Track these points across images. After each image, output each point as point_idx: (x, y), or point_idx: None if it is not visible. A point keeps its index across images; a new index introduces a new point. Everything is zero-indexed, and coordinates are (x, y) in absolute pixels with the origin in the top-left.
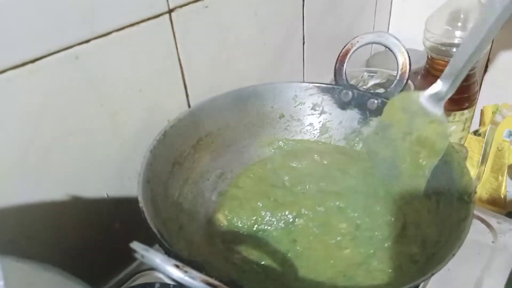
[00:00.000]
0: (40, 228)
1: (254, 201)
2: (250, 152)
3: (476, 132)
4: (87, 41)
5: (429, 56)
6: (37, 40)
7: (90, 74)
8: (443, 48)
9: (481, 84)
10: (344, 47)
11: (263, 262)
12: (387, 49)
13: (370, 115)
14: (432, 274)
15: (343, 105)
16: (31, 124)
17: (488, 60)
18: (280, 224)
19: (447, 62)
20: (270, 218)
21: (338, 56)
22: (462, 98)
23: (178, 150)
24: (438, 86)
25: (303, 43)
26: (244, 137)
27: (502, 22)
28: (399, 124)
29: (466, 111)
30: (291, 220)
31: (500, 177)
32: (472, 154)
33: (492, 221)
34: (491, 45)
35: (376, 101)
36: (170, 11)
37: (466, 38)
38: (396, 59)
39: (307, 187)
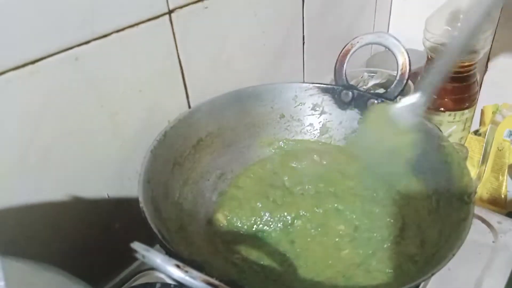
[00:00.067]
0: (40, 228)
1: (253, 201)
2: (250, 152)
3: (476, 132)
4: (87, 42)
5: (429, 57)
6: (37, 41)
7: (90, 75)
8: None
9: (481, 84)
10: (344, 47)
11: (262, 262)
12: (387, 49)
13: None
14: (432, 274)
15: (343, 105)
16: (31, 125)
17: (488, 60)
18: (278, 225)
19: None
20: (269, 218)
21: (338, 57)
22: (463, 98)
23: (178, 151)
24: (415, 97)
25: (303, 44)
26: (244, 137)
27: (473, 39)
28: (374, 133)
29: (466, 111)
30: (289, 221)
31: (500, 177)
32: (472, 154)
33: (493, 221)
34: (491, 45)
35: (376, 101)
36: (170, 12)
37: (442, 51)
38: (396, 59)
39: (306, 187)
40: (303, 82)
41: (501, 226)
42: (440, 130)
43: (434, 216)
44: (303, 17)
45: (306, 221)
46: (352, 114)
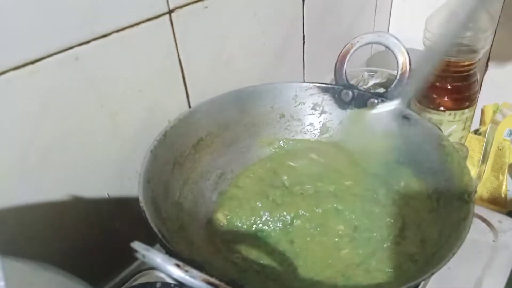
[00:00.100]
0: (40, 228)
1: (253, 201)
2: (250, 152)
3: (476, 131)
4: (87, 42)
5: None
6: (37, 41)
7: (90, 75)
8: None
9: (481, 83)
10: (344, 47)
11: (262, 262)
12: (387, 49)
13: None
14: (432, 274)
15: (343, 105)
16: (31, 125)
17: (488, 59)
18: (278, 225)
19: (448, 61)
20: (268, 218)
21: (338, 56)
22: (463, 97)
23: (178, 150)
24: (394, 103)
25: (303, 43)
26: (245, 137)
27: (449, 49)
28: (351, 136)
29: (466, 110)
30: (288, 221)
31: (500, 176)
32: (472, 153)
33: (493, 220)
34: (492, 45)
35: (376, 101)
36: (170, 12)
37: (420, 60)
38: (396, 59)
39: (306, 187)
40: (303, 81)
41: (501, 225)
42: (440, 130)
43: (434, 216)
44: (303, 17)
45: (305, 221)
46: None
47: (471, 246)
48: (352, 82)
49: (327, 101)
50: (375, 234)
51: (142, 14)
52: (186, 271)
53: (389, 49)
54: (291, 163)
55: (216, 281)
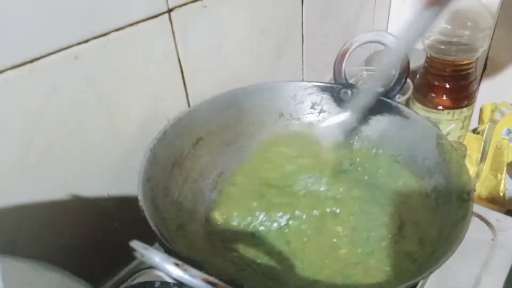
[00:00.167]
0: (40, 227)
1: (249, 200)
2: (250, 151)
3: (475, 130)
4: (86, 41)
5: (428, 55)
6: (36, 40)
7: (89, 74)
8: (442, 47)
9: (480, 82)
10: (343, 46)
11: (259, 261)
12: (386, 47)
13: (369, 113)
14: (431, 272)
15: (342, 104)
16: (31, 124)
17: (487, 59)
18: (274, 225)
19: (446, 60)
20: (264, 218)
21: (337, 55)
22: (461, 96)
23: (178, 149)
24: (344, 115)
25: (302, 42)
26: (244, 136)
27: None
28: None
29: (465, 109)
30: (284, 223)
31: (499, 175)
32: (471, 152)
33: (492, 219)
34: (490, 44)
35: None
36: (169, 11)
37: (372, 76)
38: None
39: (303, 187)
40: (302, 80)
41: (499, 224)
42: (439, 128)
43: (433, 214)
44: (302, 16)
45: (301, 222)
46: None
47: (469, 245)
48: (351, 81)
49: (326, 100)
50: (373, 234)
51: (141, 13)
52: (185, 270)
53: (388, 48)
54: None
55: (215, 280)
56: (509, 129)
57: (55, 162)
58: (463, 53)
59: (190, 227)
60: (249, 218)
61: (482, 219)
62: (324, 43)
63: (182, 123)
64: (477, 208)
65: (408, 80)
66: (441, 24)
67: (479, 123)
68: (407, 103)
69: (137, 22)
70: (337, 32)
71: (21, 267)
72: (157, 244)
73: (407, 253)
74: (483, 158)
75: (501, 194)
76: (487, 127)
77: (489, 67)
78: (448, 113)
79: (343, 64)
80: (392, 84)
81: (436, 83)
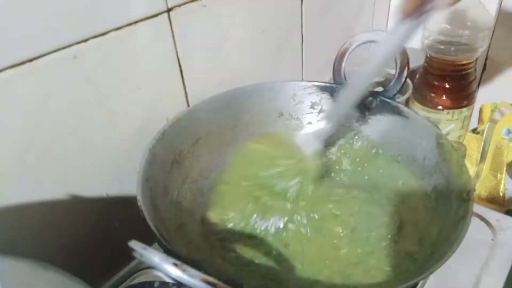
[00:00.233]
0: (39, 227)
1: (244, 203)
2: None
3: (474, 130)
4: (85, 40)
5: (428, 55)
6: (35, 39)
7: (88, 74)
8: (442, 47)
9: (479, 82)
10: (343, 45)
11: (258, 262)
12: None
13: (369, 113)
14: (431, 272)
15: None
16: (30, 124)
17: (486, 59)
18: (271, 229)
19: (446, 60)
20: (261, 223)
21: (337, 55)
22: (461, 96)
23: (177, 149)
24: (319, 125)
25: (302, 42)
26: (243, 135)
27: (377, 75)
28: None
29: (464, 109)
30: (282, 226)
31: (499, 175)
32: (471, 152)
33: (491, 219)
34: (489, 43)
35: (374, 100)
36: (168, 10)
37: (351, 83)
38: (395, 58)
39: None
40: (302, 80)
41: (499, 224)
42: (439, 128)
43: (433, 214)
44: (302, 16)
45: (300, 226)
46: (350, 112)
47: (469, 245)
48: None
49: (325, 100)
50: (373, 233)
51: (140, 13)
52: (184, 270)
53: None
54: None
55: (214, 280)
56: (508, 129)
57: (54, 162)
58: (463, 53)
59: (189, 227)
60: (245, 220)
61: (482, 219)
62: (324, 42)
63: (182, 123)
64: (477, 208)
65: (408, 80)
66: (441, 24)
67: (478, 123)
68: (406, 103)
69: (136, 22)
70: (337, 31)
71: (20, 267)
72: (156, 244)
73: (407, 253)
74: (483, 158)
75: (501, 194)
76: (486, 127)
77: (488, 67)
78: (448, 113)
79: (343, 64)
80: (391, 83)
81: (436, 83)
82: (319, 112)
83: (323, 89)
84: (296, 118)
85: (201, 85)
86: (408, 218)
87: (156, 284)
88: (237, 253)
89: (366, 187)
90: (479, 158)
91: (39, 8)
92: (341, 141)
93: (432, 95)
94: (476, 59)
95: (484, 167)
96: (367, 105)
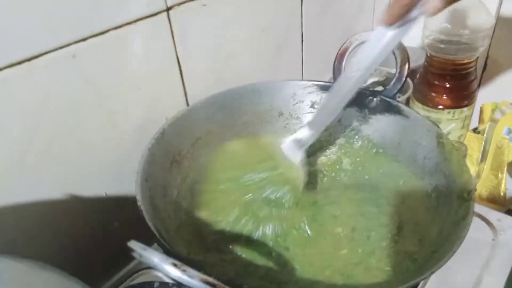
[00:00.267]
0: (38, 227)
1: (232, 207)
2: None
3: (475, 130)
4: (84, 39)
5: (428, 54)
6: (34, 38)
7: (87, 73)
8: (442, 46)
9: (480, 82)
10: (343, 45)
11: (258, 263)
12: None
13: (369, 113)
14: (432, 272)
15: None
16: (30, 124)
17: (487, 58)
18: (270, 234)
19: (446, 60)
20: (256, 228)
21: (337, 54)
22: (461, 95)
23: (176, 149)
24: (301, 134)
25: (302, 41)
26: (243, 135)
27: (360, 84)
28: (266, 162)
29: (465, 109)
30: (280, 231)
31: (499, 175)
32: (471, 152)
33: (492, 219)
34: (490, 42)
35: (375, 99)
36: (168, 9)
37: (329, 93)
38: (395, 57)
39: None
40: (302, 79)
41: (500, 223)
42: (439, 128)
43: (434, 214)
44: (302, 15)
45: (299, 230)
46: (351, 112)
47: (470, 245)
48: None
49: None
50: (373, 233)
51: (139, 12)
52: (184, 270)
53: None
54: None
55: (214, 281)
56: (509, 129)
57: (54, 162)
58: (463, 52)
59: (189, 227)
60: (237, 226)
61: (483, 219)
62: (324, 42)
63: (181, 123)
64: (478, 207)
65: (408, 80)
66: (441, 23)
67: (479, 122)
68: (407, 103)
69: (135, 21)
70: (337, 31)
71: (20, 267)
72: (156, 245)
73: (407, 253)
74: (483, 157)
75: (502, 194)
76: (487, 126)
77: (489, 67)
78: (449, 112)
79: (343, 63)
80: (392, 83)
81: (436, 82)
82: None
83: (323, 88)
84: (296, 117)
85: (200, 85)
86: (409, 218)
87: (156, 285)
88: (236, 255)
89: (367, 186)
90: (479, 158)
91: (38, 8)
92: (341, 141)
93: (433, 94)
94: (477, 58)
95: (485, 166)
96: (368, 105)
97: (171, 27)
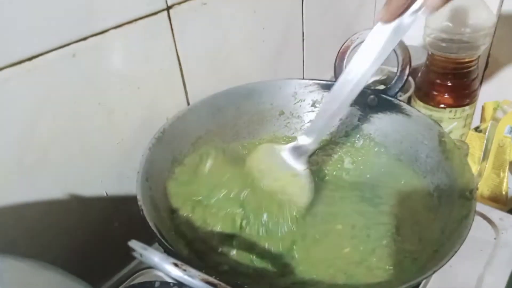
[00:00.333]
0: (38, 227)
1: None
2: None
3: (477, 129)
4: (84, 39)
5: (430, 53)
6: (34, 37)
7: (87, 72)
8: (444, 44)
9: (481, 80)
10: (344, 43)
11: (258, 264)
12: None
13: (371, 112)
14: (434, 272)
15: None
16: (29, 123)
17: (488, 56)
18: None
19: (448, 58)
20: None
21: (338, 53)
22: (463, 94)
23: (177, 148)
24: (302, 140)
25: (303, 40)
26: (244, 135)
27: (361, 87)
28: (264, 174)
29: (467, 108)
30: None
31: (501, 174)
32: (473, 151)
33: (494, 218)
34: (492, 41)
35: (376, 98)
36: (168, 8)
37: (328, 97)
38: (397, 55)
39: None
40: (303, 78)
41: (502, 222)
42: (441, 127)
43: (436, 213)
44: (302, 13)
45: (305, 239)
46: (352, 110)
47: (472, 244)
48: None
49: None
50: (372, 231)
51: (140, 11)
52: (184, 270)
53: None
54: None
55: (215, 280)
56: (511, 127)
57: (54, 162)
58: (465, 50)
59: (189, 227)
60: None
61: (485, 218)
62: (325, 40)
63: (182, 122)
64: (479, 206)
65: (410, 78)
66: (443, 22)
67: (481, 121)
68: (408, 102)
69: (135, 20)
70: (338, 29)
71: (20, 267)
72: (156, 244)
73: (407, 252)
74: (485, 156)
75: (504, 193)
76: (489, 125)
77: (490, 65)
78: (450, 111)
79: (344, 62)
80: (393, 82)
81: (438, 81)
82: None
83: (324, 87)
84: (297, 116)
85: (201, 84)
86: (409, 217)
87: (157, 284)
88: (237, 255)
89: (368, 185)
90: (481, 157)
91: (38, 7)
92: (343, 140)
93: (434, 93)
94: (478, 57)
95: (486, 165)
96: (369, 104)
97: (171, 26)
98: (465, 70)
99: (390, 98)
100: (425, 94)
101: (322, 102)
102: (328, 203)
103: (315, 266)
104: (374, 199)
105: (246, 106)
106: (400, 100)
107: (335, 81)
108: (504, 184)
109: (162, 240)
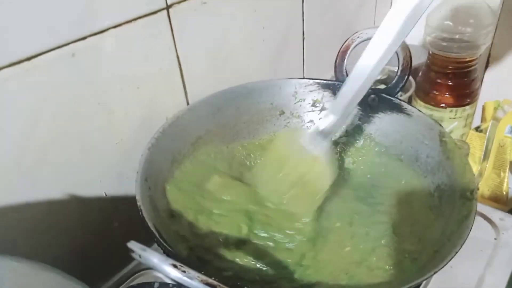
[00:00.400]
0: (37, 227)
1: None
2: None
3: (477, 128)
4: (83, 38)
5: (430, 52)
6: (33, 37)
7: (87, 72)
8: (444, 44)
9: (482, 80)
10: (344, 42)
11: (258, 265)
12: None
13: (371, 111)
14: (435, 272)
15: None
16: (28, 123)
17: (489, 56)
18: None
19: (448, 57)
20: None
21: (338, 52)
22: (464, 94)
23: (177, 148)
24: (325, 122)
25: (303, 39)
26: (244, 135)
27: (386, 60)
28: (282, 162)
29: (467, 107)
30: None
31: (502, 174)
32: (474, 151)
33: (495, 218)
34: (492, 40)
35: (377, 98)
36: (167, 7)
37: (353, 73)
38: (397, 54)
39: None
40: (303, 78)
41: (503, 223)
42: (442, 126)
43: (436, 213)
44: (303, 12)
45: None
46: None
47: (472, 244)
48: None
49: (327, 98)
50: (371, 229)
51: (139, 10)
52: (184, 271)
53: None
54: None
55: (214, 282)
56: None
57: (53, 162)
58: (465, 50)
59: (189, 228)
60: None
61: (485, 218)
62: (325, 39)
63: (181, 122)
64: (480, 207)
65: (410, 78)
66: (443, 21)
67: (481, 121)
68: (409, 101)
69: (135, 19)
70: (338, 28)
71: (20, 267)
72: (155, 245)
73: (407, 252)
74: (486, 156)
75: (504, 193)
76: (489, 125)
77: (491, 65)
78: (451, 111)
79: (345, 61)
80: (394, 81)
81: (439, 80)
82: (321, 110)
83: (324, 86)
84: (297, 116)
85: (201, 84)
86: (409, 217)
87: (156, 285)
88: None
89: (368, 185)
90: (482, 157)
91: (37, 7)
92: (343, 139)
93: (435, 92)
94: (479, 56)
95: (487, 165)
96: (369, 103)
97: (171, 25)
98: (466, 70)
99: (390, 98)
100: (426, 93)
101: (324, 97)
102: (327, 203)
103: (321, 270)
104: (374, 199)
105: (246, 105)
106: (400, 100)
107: (336, 81)
108: (505, 184)
109: (161, 241)
